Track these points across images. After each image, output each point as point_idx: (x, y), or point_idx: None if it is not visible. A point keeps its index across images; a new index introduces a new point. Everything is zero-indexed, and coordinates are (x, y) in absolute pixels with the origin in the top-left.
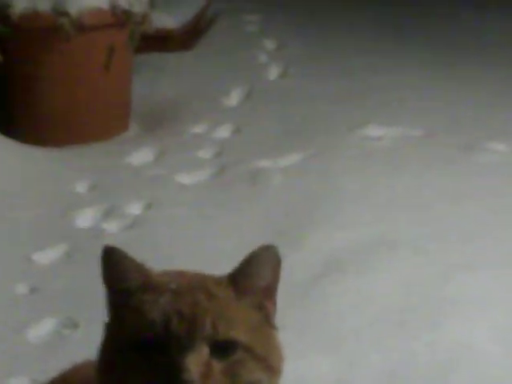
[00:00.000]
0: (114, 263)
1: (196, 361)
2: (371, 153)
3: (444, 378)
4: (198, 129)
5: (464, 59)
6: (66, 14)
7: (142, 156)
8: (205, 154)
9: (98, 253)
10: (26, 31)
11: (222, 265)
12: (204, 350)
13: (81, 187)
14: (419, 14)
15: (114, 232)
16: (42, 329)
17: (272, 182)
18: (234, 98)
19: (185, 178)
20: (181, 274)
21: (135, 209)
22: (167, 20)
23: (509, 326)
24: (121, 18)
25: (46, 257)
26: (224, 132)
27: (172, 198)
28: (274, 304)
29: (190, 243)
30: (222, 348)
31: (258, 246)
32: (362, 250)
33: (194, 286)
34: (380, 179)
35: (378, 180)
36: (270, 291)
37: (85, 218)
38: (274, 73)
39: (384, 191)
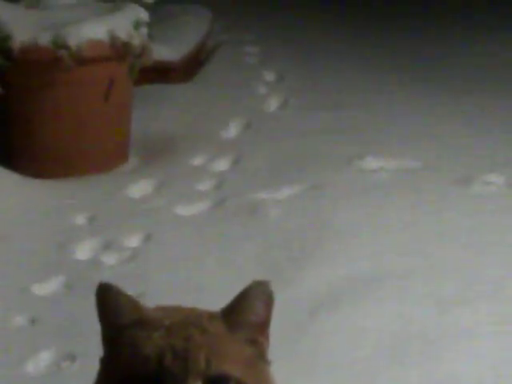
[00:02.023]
0: (108, 299)
1: None
2: (367, 186)
3: None
4: (197, 161)
5: (460, 91)
6: (65, 46)
7: (140, 188)
8: (203, 186)
9: (95, 285)
10: (26, 63)
11: (219, 298)
12: None
13: (80, 219)
14: (415, 48)
15: (112, 264)
16: (40, 361)
17: (270, 214)
18: (232, 130)
19: (183, 210)
20: (175, 310)
21: (133, 241)
22: (166, 52)
23: (502, 359)
24: (120, 51)
25: (44, 289)
26: (223, 164)
27: (170, 230)
28: (267, 339)
29: (187, 276)
30: (216, 383)
31: (251, 282)
32: (358, 284)
33: (188, 321)
34: (375, 212)
35: (373, 213)
36: (262, 326)
37: (83, 250)
38: (272, 104)
39: (379, 225)
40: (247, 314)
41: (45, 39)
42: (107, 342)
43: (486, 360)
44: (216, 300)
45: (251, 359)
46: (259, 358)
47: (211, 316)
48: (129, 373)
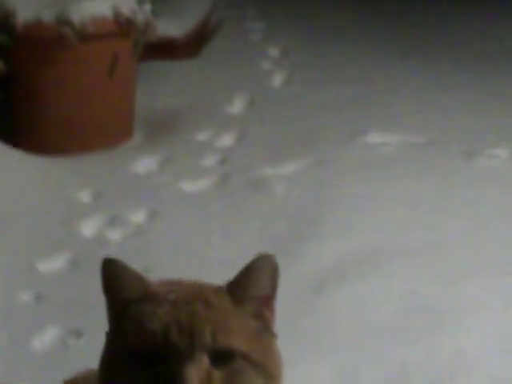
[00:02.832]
0: (113, 274)
1: (196, 370)
2: (373, 160)
3: None
4: (202, 137)
5: (465, 65)
6: (69, 23)
7: (145, 164)
8: (208, 161)
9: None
10: (30, 41)
11: (224, 273)
12: (204, 360)
13: (85, 196)
14: (421, 23)
15: (117, 240)
16: (46, 337)
17: (274, 189)
18: (237, 106)
19: (188, 186)
20: (179, 284)
21: (139, 217)
22: (171, 28)
23: (506, 334)
24: (124, 27)
25: (50, 265)
26: (227, 140)
27: (175, 206)
28: (273, 312)
29: (192, 251)
30: (222, 357)
31: (256, 256)
32: (362, 258)
33: (193, 296)
34: (380, 187)
35: (378, 188)
36: (268, 299)
37: (88, 227)
38: (277, 80)
39: (384, 199)
40: (252, 287)
41: (48, 16)
42: (113, 317)
43: (492, 334)
44: (221, 275)
45: (257, 332)
46: (265, 331)
47: (216, 290)
48: (135, 348)
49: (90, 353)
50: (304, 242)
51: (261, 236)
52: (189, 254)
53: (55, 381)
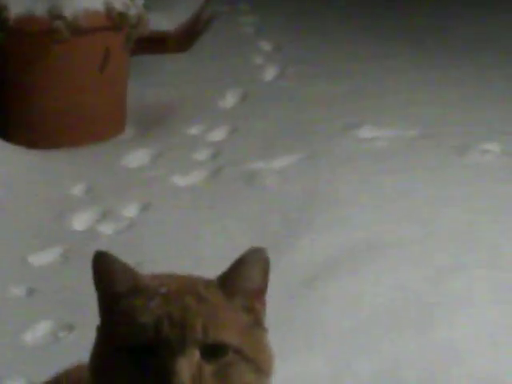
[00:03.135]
0: (104, 267)
1: (187, 364)
2: (365, 154)
3: (434, 379)
4: (194, 130)
5: (457, 60)
6: (61, 16)
7: (137, 158)
8: (200, 155)
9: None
10: (22, 34)
11: (216, 266)
12: (195, 354)
13: (76, 189)
14: (413, 16)
15: (109, 234)
16: (37, 331)
17: (267, 183)
18: (229, 100)
19: (180, 180)
20: (171, 278)
21: (131, 211)
22: (163, 22)
23: (498, 328)
24: (116, 21)
25: (41, 259)
26: (219, 134)
27: (167, 199)
28: (264, 305)
29: (185, 245)
30: (213, 351)
31: (247, 249)
32: (354, 252)
33: (184, 289)
34: (372, 181)
35: (369, 182)
36: (259, 293)
37: (80, 221)
38: (269, 74)
39: (375, 193)
40: (244, 281)
41: (40, 10)
42: (104, 310)
43: (483, 327)
44: (213, 268)
45: (248, 326)
46: (256, 324)
47: (207, 283)
48: (126, 341)
49: (81, 346)
50: (296, 235)
51: (253, 230)
52: (181, 247)
53: (47, 374)
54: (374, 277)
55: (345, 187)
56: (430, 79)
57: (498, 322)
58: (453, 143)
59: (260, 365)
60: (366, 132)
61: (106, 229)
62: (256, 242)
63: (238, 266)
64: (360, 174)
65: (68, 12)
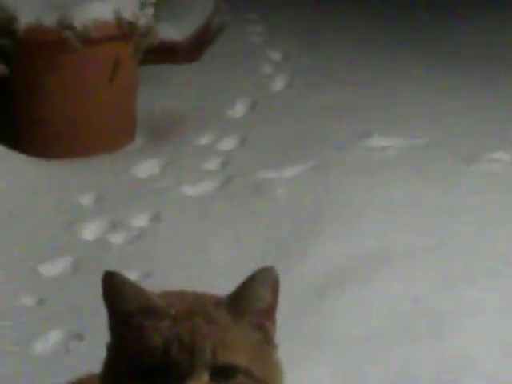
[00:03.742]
0: (113, 287)
1: None
2: (375, 163)
3: None
4: (204, 140)
5: (466, 69)
6: (71, 27)
7: (147, 168)
8: (210, 165)
9: (103, 265)
10: (32, 44)
11: (227, 276)
12: (204, 376)
13: (86, 199)
14: (423, 26)
15: (119, 244)
16: (48, 341)
17: (276, 193)
18: (239, 110)
19: (190, 190)
20: (181, 296)
21: (141, 221)
22: (172, 32)
23: (507, 336)
24: (126, 31)
25: (51, 269)
26: (229, 143)
27: (177, 209)
28: (274, 323)
29: (195, 255)
30: (222, 373)
31: (257, 268)
32: (364, 262)
33: (194, 310)
34: (382, 190)
35: (379, 191)
36: (269, 311)
37: (90, 230)
38: (278, 84)
39: (385, 203)
40: (253, 300)
41: (50, 20)
42: (113, 330)
43: (493, 336)
44: (223, 279)
45: (258, 345)
46: (266, 342)
47: (217, 303)
48: (135, 363)
49: (91, 356)
50: (306, 245)
51: (263, 239)
52: (191, 257)
53: None
54: (384, 286)
55: (355, 196)
56: (440, 88)
57: (507, 330)
58: (462, 152)
59: (269, 383)
60: (375, 141)
61: (116, 239)
62: (266, 251)
63: (248, 286)
64: (370, 183)
65: (78, 22)
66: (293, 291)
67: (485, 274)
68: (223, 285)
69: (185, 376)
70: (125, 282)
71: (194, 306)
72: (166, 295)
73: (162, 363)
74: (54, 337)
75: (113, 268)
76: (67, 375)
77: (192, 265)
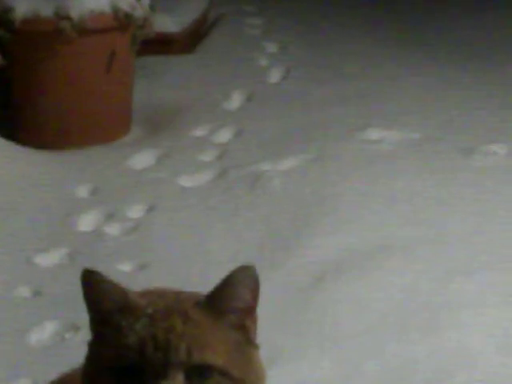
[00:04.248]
0: (92, 285)
1: None
2: (371, 156)
3: (442, 381)
4: (200, 132)
5: (462, 62)
6: (67, 17)
7: (143, 159)
8: (206, 157)
9: (99, 256)
10: (28, 35)
11: (223, 268)
12: (178, 376)
13: (82, 191)
14: (421, 20)
15: (115, 235)
16: (43, 332)
17: (272, 185)
18: (235, 101)
19: (186, 181)
20: (160, 295)
21: (136, 212)
22: (168, 23)
23: (505, 330)
24: (122, 22)
25: (47, 260)
26: (225, 135)
27: (173, 201)
28: (254, 322)
29: (190, 246)
30: (198, 372)
31: (236, 267)
32: (361, 254)
33: (171, 309)
34: (379, 183)
35: (377, 184)
36: (249, 310)
37: (86, 222)
38: (275, 76)
39: (383, 195)
40: (232, 300)
41: (47, 10)
42: (93, 327)
43: (493, 329)
44: (219, 270)
45: (237, 344)
46: (246, 342)
47: (195, 302)
48: (111, 362)
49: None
50: (303, 236)
51: (260, 231)
52: (187, 249)
53: (53, 375)
54: (382, 279)
55: (352, 189)
56: (437, 82)
57: (507, 324)
58: (459, 145)
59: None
60: (372, 134)
61: (112, 230)
62: (263, 243)
63: (226, 285)
64: (367, 176)
65: (74, 13)
66: (290, 283)
67: (483, 268)
68: (219, 276)
69: (159, 376)
70: (104, 280)
71: (172, 305)
72: (146, 294)
73: (137, 362)
74: (49, 328)
75: (108, 259)
76: (63, 366)
77: (188, 256)
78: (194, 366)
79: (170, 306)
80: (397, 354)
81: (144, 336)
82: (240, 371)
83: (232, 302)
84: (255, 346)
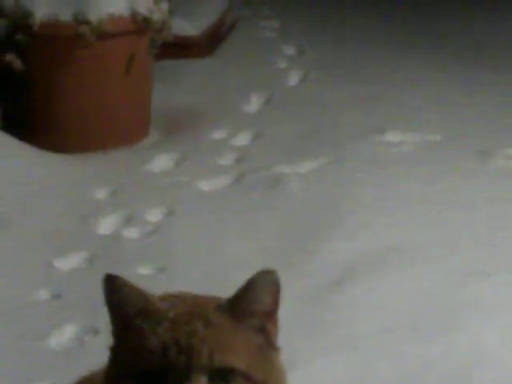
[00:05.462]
0: (114, 291)
1: None
2: (389, 159)
3: (459, 383)
4: (218, 135)
5: (481, 63)
6: (86, 21)
7: (162, 163)
8: (225, 160)
9: (118, 259)
10: (47, 39)
11: (241, 271)
12: (201, 379)
13: (101, 194)
14: (438, 23)
15: (134, 239)
16: (63, 335)
17: (291, 188)
18: (253, 104)
19: (205, 185)
20: (181, 299)
21: (155, 215)
22: (187, 27)
23: None
24: (141, 26)
25: (67, 263)
26: (244, 138)
27: (192, 204)
28: (275, 325)
29: (209, 250)
30: (221, 376)
31: (257, 271)
32: (378, 256)
33: (193, 313)
34: (397, 185)
35: (395, 186)
36: (270, 314)
37: (105, 225)
38: (293, 79)
39: (401, 197)
40: (253, 303)
41: (66, 15)
42: (115, 332)
43: (507, 331)
44: (238, 273)
45: (258, 348)
46: (267, 345)
47: (217, 306)
48: (134, 366)
49: (106, 350)
50: (321, 239)
51: (278, 234)
52: (205, 252)
53: (72, 378)
54: (397, 281)
55: (369, 191)
56: (453, 84)
57: None
58: (476, 148)
59: None
60: (389, 136)
61: (131, 233)
62: (281, 246)
63: (248, 289)
64: (384, 178)
65: (93, 17)
66: (307, 285)
67: (498, 269)
68: (238, 280)
69: (182, 379)
70: (125, 284)
71: (194, 309)
72: (167, 298)
73: (160, 366)
74: (69, 331)
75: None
76: (82, 369)
77: (207, 260)
78: (216, 370)
79: (192, 310)
80: (411, 356)
81: (166, 340)
82: (262, 374)
83: (253, 305)
84: (276, 350)
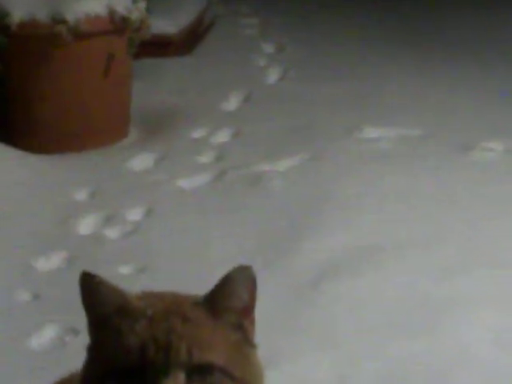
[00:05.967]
0: (91, 288)
1: None
2: (369, 155)
3: (442, 379)
4: (198, 133)
5: (460, 59)
6: (63, 21)
7: (141, 162)
8: (204, 158)
9: (98, 259)
10: (25, 39)
11: (222, 269)
12: (180, 376)
13: (81, 194)
14: (416, 19)
15: (114, 238)
16: (43, 336)
17: (271, 185)
18: (232, 102)
19: (185, 183)
20: (159, 297)
21: (136, 215)
22: (165, 25)
23: (505, 326)
24: (119, 25)
25: (46, 264)
26: (223, 136)
27: (172, 203)
28: (252, 323)
29: (190, 248)
30: (199, 372)
31: (233, 267)
32: (359, 253)
33: (170, 310)
34: (377, 181)
35: (375, 183)
36: (247, 311)
37: (85, 225)
38: (272, 76)
39: (381, 194)
40: (230, 299)
41: (43, 15)
42: (92, 331)
43: (490, 327)
44: (219, 272)
45: (236, 344)
46: (244, 342)
47: (194, 303)
48: (112, 364)
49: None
50: (302, 237)
51: (258, 232)
52: (186, 250)
53: (53, 379)
54: (380, 278)
55: (350, 188)
56: (432, 79)
57: (504, 322)
58: (456, 142)
59: (248, 383)
60: (369, 133)
61: (111, 233)
62: (261, 243)
63: (224, 285)
64: (364, 175)
65: (70, 16)
66: (289, 283)
67: (481, 265)
68: (218, 277)
69: (161, 376)
70: (102, 282)
71: (171, 307)
72: (145, 296)
73: (138, 364)
74: (49, 332)
75: (108, 262)
76: (63, 370)
77: (187, 258)
78: (195, 366)
79: (169, 307)
80: (395, 353)
81: (144, 338)
82: (240, 370)
83: (230, 301)
84: (253, 346)
